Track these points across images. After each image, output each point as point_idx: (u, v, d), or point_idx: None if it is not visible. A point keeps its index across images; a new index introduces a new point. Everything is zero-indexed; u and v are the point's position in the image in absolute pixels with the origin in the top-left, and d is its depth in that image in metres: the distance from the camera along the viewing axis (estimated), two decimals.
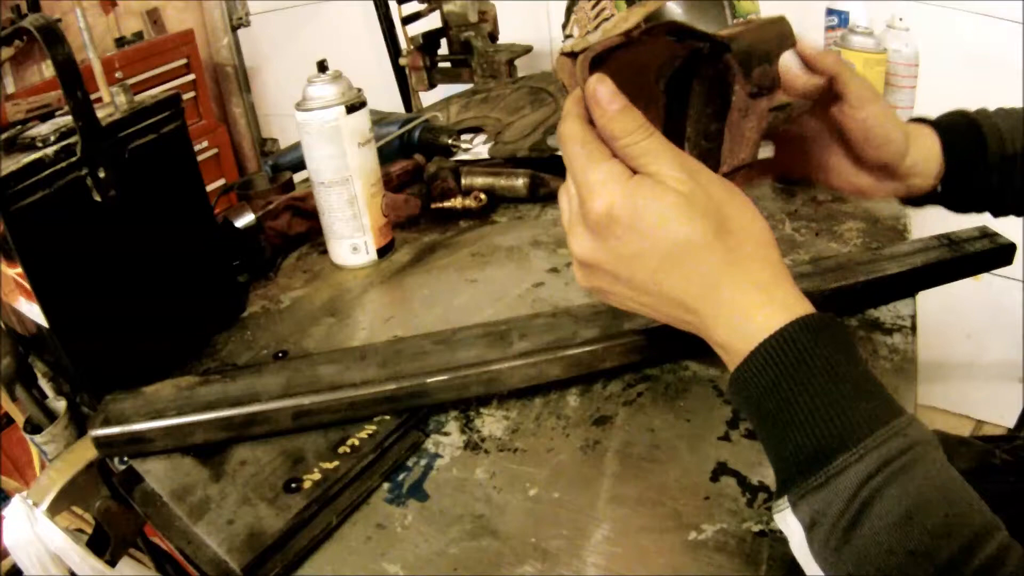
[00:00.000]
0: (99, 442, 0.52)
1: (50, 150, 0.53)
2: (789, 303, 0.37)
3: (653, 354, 0.57)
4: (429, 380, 0.53)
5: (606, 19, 1.01)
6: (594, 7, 1.06)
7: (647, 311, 0.42)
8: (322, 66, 0.74)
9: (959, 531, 0.30)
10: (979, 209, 0.62)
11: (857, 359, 0.36)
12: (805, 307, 0.37)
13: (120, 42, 2.05)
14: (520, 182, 0.90)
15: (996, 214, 0.63)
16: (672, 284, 0.39)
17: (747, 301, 0.37)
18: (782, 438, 0.35)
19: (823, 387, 0.34)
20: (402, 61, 1.55)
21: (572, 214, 0.41)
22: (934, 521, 0.31)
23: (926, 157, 0.57)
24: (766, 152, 0.56)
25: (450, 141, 0.98)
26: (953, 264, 0.64)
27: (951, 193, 0.60)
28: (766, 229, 0.39)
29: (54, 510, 0.54)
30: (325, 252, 0.81)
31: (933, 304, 1.41)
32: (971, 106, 0.61)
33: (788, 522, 0.35)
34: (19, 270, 0.54)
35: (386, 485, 0.50)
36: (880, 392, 0.35)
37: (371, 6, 1.70)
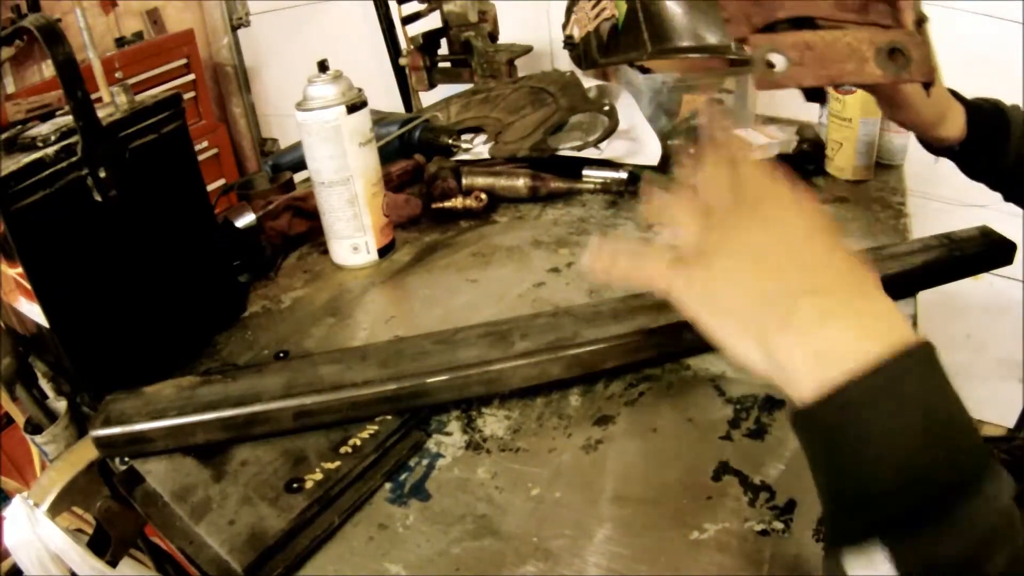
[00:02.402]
0: (100, 442, 0.52)
1: (51, 150, 0.53)
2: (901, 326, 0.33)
3: (654, 354, 0.57)
4: (430, 380, 0.53)
5: (607, 19, 1.01)
6: (594, 7, 1.06)
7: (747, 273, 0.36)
8: (323, 66, 0.74)
9: None
10: (991, 183, 0.66)
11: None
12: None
13: (120, 42, 2.05)
14: (521, 182, 0.90)
15: (1007, 198, 0.66)
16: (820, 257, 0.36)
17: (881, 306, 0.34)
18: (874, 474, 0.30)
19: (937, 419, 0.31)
20: (402, 61, 1.55)
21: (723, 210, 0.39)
22: None
23: (951, 125, 0.63)
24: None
25: (450, 141, 0.98)
26: (953, 264, 0.64)
27: (967, 156, 0.65)
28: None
29: (55, 510, 0.54)
30: (326, 252, 0.81)
31: (933, 304, 1.41)
32: None
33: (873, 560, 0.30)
34: (19, 270, 0.54)
35: (388, 485, 0.50)
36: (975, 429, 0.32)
37: (371, 6, 1.70)
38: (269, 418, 0.52)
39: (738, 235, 0.37)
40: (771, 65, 0.46)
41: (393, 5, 1.60)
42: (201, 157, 2.10)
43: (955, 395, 0.32)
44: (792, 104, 1.23)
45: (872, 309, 0.34)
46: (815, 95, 0.54)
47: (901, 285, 0.63)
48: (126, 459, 0.53)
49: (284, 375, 0.55)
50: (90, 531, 0.56)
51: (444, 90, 1.42)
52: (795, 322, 0.34)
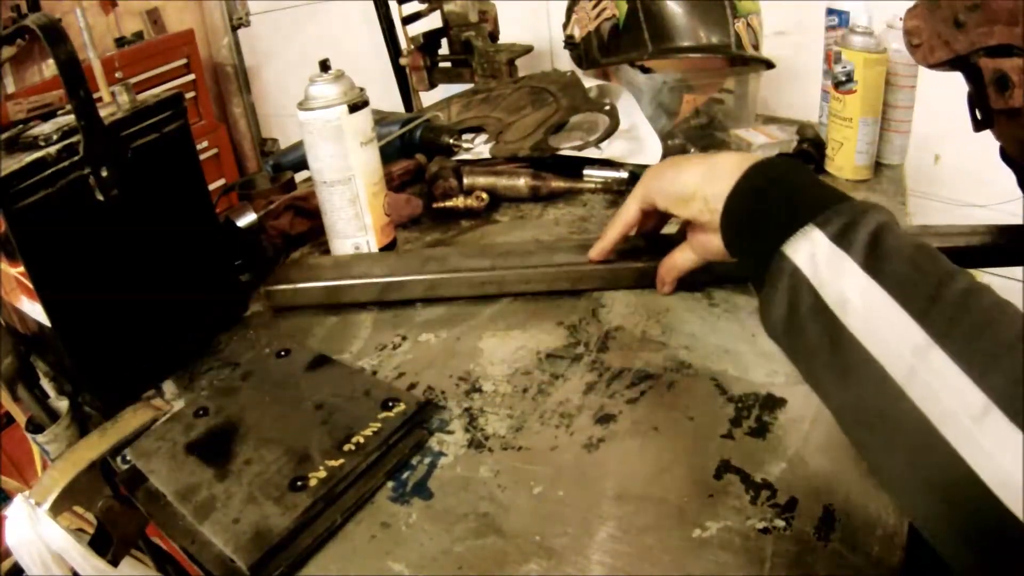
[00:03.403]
0: (271, 296, 0.70)
1: (52, 149, 0.53)
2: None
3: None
4: (530, 270, 0.68)
5: (607, 19, 1.01)
6: (595, 7, 1.06)
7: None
8: (324, 65, 0.74)
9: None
10: None
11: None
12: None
13: (120, 42, 2.05)
14: (522, 182, 0.90)
15: None
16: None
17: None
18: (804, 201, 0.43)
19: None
20: (402, 61, 1.55)
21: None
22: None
23: None
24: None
25: (451, 141, 0.98)
26: (999, 251, 0.69)
27: None
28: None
29: (56, 510, 0.54)
30: (327, 252, 0.81)
31: None
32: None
33: (807, 240, 0.40)
34: (21, 269, 0.54)
35: (390, 484, 0.50)
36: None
37: (371, 6, 1.70)
38: (404, 287, 0.69)
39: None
40: (1004, 87, 0.51)
41: (393, 5, 1.60)
42: (201, 157, 2.09)
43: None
44: (792, 104, 1.23)
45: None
46: (986, 125, 0.57)
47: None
48: (128, 458, 0.53)
49: (418, 259, 0.72)
50: (91, 531, 0.56)
51: (444, 90, 1.42)
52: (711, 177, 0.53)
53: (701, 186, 0.54)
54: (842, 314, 0.37)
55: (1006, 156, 0.60)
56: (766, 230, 0.43)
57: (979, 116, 0.56)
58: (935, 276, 0.36)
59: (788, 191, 0.45)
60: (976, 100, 0.55)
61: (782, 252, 0.41)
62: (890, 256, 0.38)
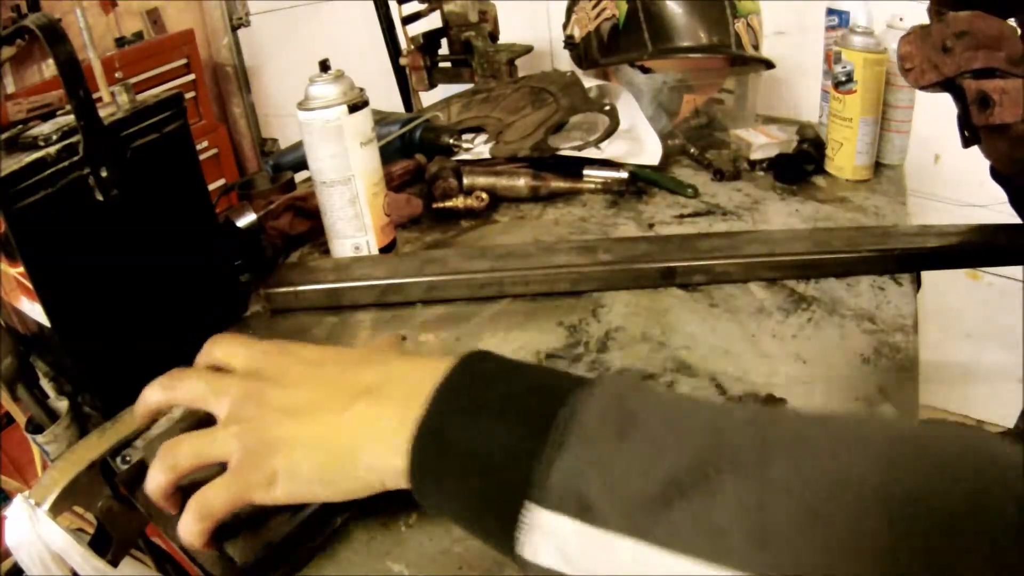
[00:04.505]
0: (269, 298, 0.70)
1: (52, 149, 0.53)
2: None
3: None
4: (529, 271, 0.69)
5: (607, 19, 1.01)
6: (595, 7, 1.06)
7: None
8: (324, 65, 0.74)
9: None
10: None
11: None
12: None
13: (120, 42, 2.05)
14: (522, 182, 0.90)
15: None
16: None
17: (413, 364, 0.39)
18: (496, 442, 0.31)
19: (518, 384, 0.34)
20: (402, 61, 1.54)
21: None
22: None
23: None
24: None
25: (451, 141, 0.98)
26: (997, 251, 0.70)
27: None
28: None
29: (56, 510, 0.54)
30: (327, 252, 0.81)
31: (933, 304, 1.41)
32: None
33: (539, 539, 0.29)
34: (21, 269, 0.54)
35: None
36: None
37: (371, 6, 1.70)
38: (404, 289, 0.69)
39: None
40: (986, 106, 0.55)
41: (393, 5, 1.59)
42: (201, 157, 2.09)
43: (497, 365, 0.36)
44: (792, 104, 1.23)
45: (390, 375, 0.38)
46: (973, 141, 0.61)
47: (946, 259, 0.69)
48: (126, 458, 0.53)
49: (417, 261, 0.72)
50: (91, 531, 0.56)
51: (444, 90, 1.42)
52: (358, 436, 0.37)
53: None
54: None
55: (996, 174, 0.61)
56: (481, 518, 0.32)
57: (967, 134, 0.60)
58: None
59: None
60: (963, 119, 0.59)
61: (521, 559, 0.30)
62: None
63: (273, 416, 0.39)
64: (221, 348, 0.46)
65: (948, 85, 0.59)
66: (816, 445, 0.27)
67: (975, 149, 0.62)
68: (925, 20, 0.61)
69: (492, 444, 0.31)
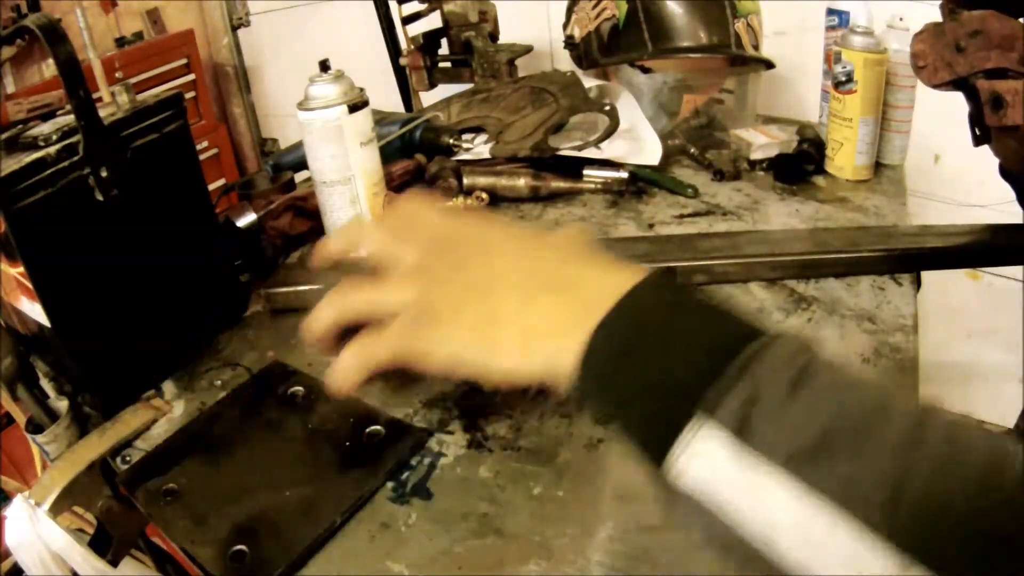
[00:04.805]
0: (268, 298, 0.70)
1: (52, 149, 0.53)
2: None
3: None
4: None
5: (607, 19, 1.01)
6: (595, 7, 1.06)
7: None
8: (324, 65, 0.74)
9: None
10: None
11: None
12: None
13: (120, 42, 2.05)
14: (522, 182, 0.90)
15: None
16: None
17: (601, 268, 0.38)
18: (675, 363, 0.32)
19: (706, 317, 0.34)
20: (402, 61, 1.54)
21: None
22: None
23: None
24: None
25: (451, 141, 0.98)
26: (997, 250, 0.70)
27: None
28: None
29: (56, 510, 0.54)
30: None
31: (933, 304, 1.41)
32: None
33: (701, 447, 0.29)
34: (21, 269, 0.54)
35: (390, 484, 0.50)
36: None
37: (371, 6, 1.70)
38: None
39: (453, 279, 0.38)
40: (999, 106, 0.55)
41: (393, 5, 1.59)
42: (201, 157, 2.09)
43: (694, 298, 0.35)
44: (792, 104, 1.23)
45: (585, 279, 0.37)
46: (984, 140, 0.61)
47: (946, 259, 0.70)
48: (127, 458, 0.53)
49: None
50: (91, 531, 0.56)
51: (444, 90, 1.42)
52: (530, 322, 0.35)
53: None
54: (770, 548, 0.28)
55: (1005, 172, 0.62)
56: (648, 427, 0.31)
57: (978, 132, 0.60)
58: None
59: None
60: (975, 118, 0.59)
61: (670, 468, 0.30)
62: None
63: (460, 282, 0.37)
64: (413, 203, 0.42)
65: (960, 84, 0.58)
66: (966, 446, 0.28)
67: (975, 150, 0.62)
68: (925, 20, 0.61)
69: (672, 354, 0.32)
